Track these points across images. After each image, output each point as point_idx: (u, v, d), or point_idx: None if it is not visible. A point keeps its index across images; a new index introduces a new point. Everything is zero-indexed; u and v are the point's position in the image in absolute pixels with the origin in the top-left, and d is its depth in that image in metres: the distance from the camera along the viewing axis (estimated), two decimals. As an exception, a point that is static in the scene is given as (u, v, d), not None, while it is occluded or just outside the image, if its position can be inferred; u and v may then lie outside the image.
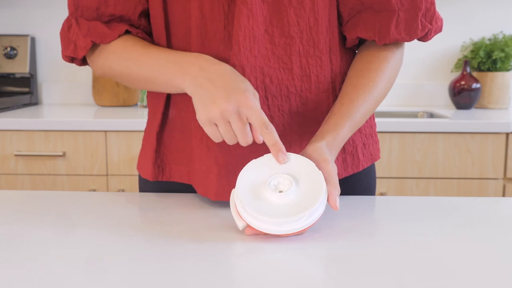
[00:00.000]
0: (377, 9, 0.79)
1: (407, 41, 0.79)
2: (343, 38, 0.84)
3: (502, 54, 2.16)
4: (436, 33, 0.81)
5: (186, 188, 0.87)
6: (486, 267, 0.57)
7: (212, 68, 0.72)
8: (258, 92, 0.77)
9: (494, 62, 2.21)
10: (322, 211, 0.67)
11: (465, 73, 2.18)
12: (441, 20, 0.81)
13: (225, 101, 0.68)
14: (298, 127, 0.81)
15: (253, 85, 0.77)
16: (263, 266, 0.57)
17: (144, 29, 0.84)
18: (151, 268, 0.57)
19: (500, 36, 2.28)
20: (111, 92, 2.27)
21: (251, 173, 0.68)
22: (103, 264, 0.58)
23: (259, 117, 0.68)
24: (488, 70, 2.24)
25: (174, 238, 0.65)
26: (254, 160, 0.70)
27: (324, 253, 0.62)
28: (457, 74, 2.33)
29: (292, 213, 0.64)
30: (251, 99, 0.69)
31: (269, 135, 0.68)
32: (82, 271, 0.56)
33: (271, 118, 0.79)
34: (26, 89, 2.34)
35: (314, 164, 0.68)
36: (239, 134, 0.69)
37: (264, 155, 0.70)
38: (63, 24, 0.84)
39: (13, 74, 2.34)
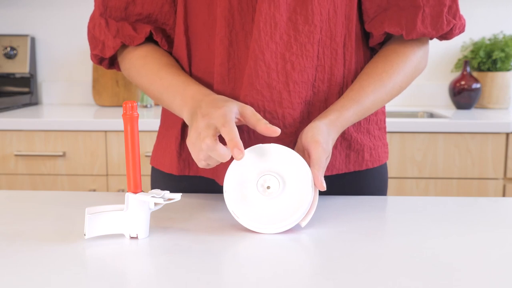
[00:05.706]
0: (402, 6, 0.80)
1: (433, 35, 0.81)
2: (361, 37, 0.85)
3: (502, 54, 2.16)
4: (460, 31, 0.83)
5: (206, 186, 0.87)
6: (486, 267, 0.57)
7: (205, 99, 0.72)
8: (279, 78, 0.78)
9: (494, 62, 2.21)
10: (308, 209, 0.68)
11: (465, 73, 2.18)
12: (464, 19, 0.83)
13: (200, 120, 0.68)
14: (308, 116, 0.81)
15: (273, 71, 0.77)
16: (263, 266, 0.57)
17: (170, 28, 0.87)
18: (150, 267, 0.57)
19: (500, 36, 2.28)
20: (111, 92, 2.27)
21: (239, 169, 0.69)
22: (103, 264, 0.58)
23: (219, 118, 0.66)
24: (488, 70, 2.24)
25: (174, 238, 0.65)
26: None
27: (325, 252, 0.62)
28: (457, 74, 2.33)
29: (276, 220, 0.67)
30: (222, 111, 0.67)
31: (226, 130, 0.65)
32: (82, 271, 0.56)
33: (291, 105, 0.79)
34: (26, 89, 2.35)
35: (304, 161, 0.69)
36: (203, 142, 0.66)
37: (256, 145, 0.69)
38: (88, 26, 0.88)
39: (13, 74, 2.34)
